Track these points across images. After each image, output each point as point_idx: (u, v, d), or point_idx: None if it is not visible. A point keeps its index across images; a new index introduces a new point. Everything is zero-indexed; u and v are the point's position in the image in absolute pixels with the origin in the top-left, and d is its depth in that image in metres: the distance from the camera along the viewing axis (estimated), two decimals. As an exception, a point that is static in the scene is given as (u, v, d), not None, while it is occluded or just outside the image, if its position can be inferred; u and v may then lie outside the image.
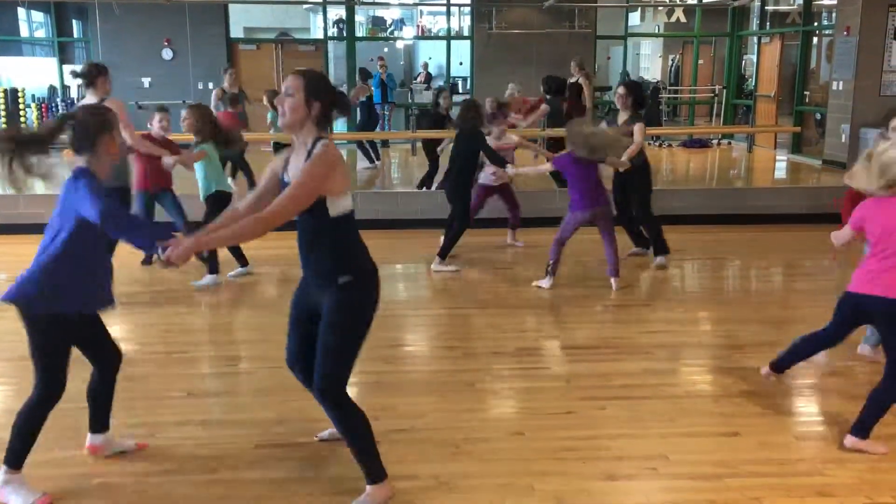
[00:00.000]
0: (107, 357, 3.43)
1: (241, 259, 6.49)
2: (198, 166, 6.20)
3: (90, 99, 5.64)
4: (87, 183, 3.01)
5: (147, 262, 6.64)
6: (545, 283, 6.14)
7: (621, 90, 6.72)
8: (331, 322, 2.97)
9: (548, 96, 10.00)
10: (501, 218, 7.53)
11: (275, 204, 2.85)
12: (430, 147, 9.60)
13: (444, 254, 6.73)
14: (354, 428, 3.02)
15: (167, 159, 6.25)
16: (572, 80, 10.37)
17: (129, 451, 3.53)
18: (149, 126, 6.58)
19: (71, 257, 3.08)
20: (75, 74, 5.83)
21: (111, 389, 3.47)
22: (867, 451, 3.50)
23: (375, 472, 3.09)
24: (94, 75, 5.73)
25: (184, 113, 6.28)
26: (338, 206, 2.91)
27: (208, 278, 6.19)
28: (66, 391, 3.24)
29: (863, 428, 3.52)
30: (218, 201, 6.06)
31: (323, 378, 2.96)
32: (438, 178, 8.89)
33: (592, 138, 5.80)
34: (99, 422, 3.50)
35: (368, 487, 3.09)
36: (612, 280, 6.12)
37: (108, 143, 3.11)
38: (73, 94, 13.57)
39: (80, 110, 3.23)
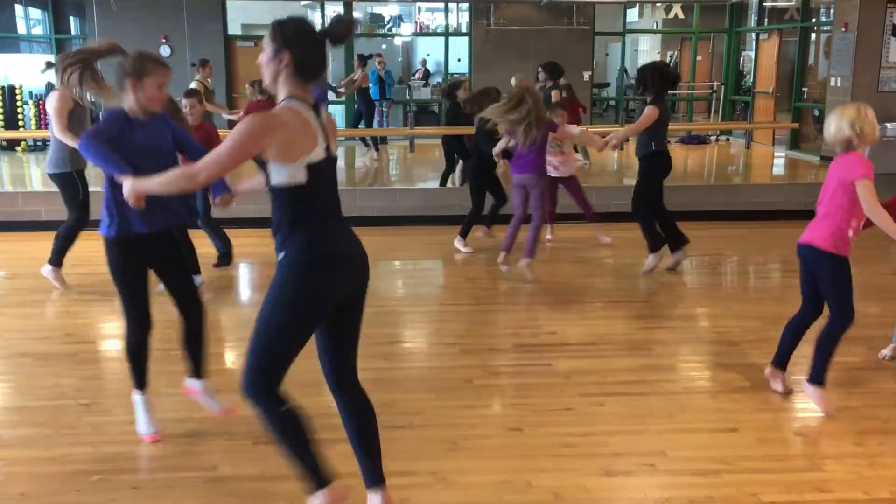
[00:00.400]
0: (188, 297, 3.69)
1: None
2: None
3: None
4: (103, 115, 3.40)
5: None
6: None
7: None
8: (260, 308, 2.69)
9: (549, 83, 9.99)
10: (505, 214, 7.51)
11: (203, 159, 2.60)
12: (458, 145, 8.91)
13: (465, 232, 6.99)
14: (279, 431, 2.72)
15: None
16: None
17: (211, 412, 3.76)
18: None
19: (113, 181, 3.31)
20: (49, 65, 5.56)
21: (199, 334, 3.70)
22: (816, 404, 3.83)
23: (310, 480, 2.76)
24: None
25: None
26: (281, 174, 2.56)
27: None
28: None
29: (818, 376, 3.85)
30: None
31: (244, 367, 2.70)
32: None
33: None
34: (194, 368, 3.75)
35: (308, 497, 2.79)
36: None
37: (135, 87, 3.35)
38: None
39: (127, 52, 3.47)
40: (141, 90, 3.35)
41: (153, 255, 3.55)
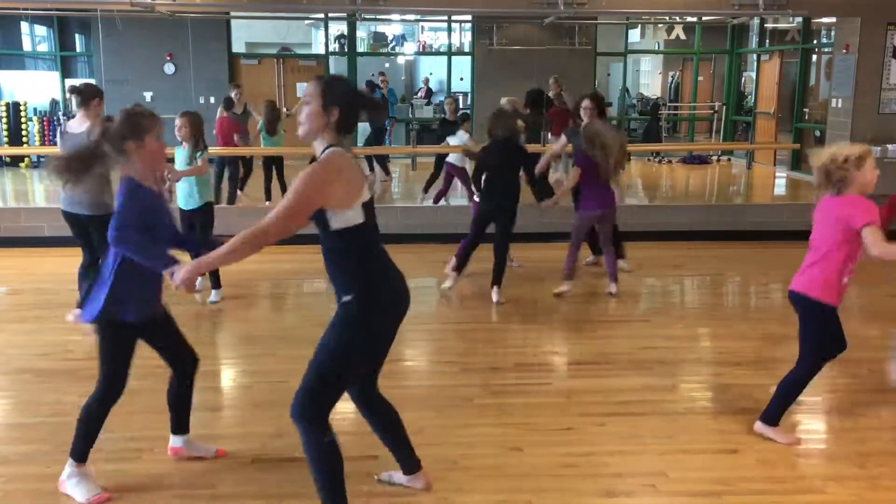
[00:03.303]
0: (180, 360, 3.53)
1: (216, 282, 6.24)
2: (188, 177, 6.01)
3: (80, 119, 5.49)
4: (121, 191, 3.17)
5: None
6: (564, 287, 6.33)
7: (585, 103, 6.64)
8: (323, 338, 2.84)
9: (527, 110, 9.98)
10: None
11: (269, 215, 2.70)
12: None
13: (498, 281, 6.27)
14: (318, 460, 2.85)
15: (171, 175, 5.97)
16: (552, 93, 10.48)
17: (206, 457, 3.61)
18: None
19: (123, 268, 3.18)
20: (73, 90, 5.62)
21: (188, 392, 3.57)
22: (775, 439, 3.75)
23: None
24: (89, 96, 5.51)
25: (178, 121, 6.01)
26: (340, 219, 2.74)
27: (214, 294, 6.17)
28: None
29: (771, 416, 3.80)
30: (207, 213, 6.05)
31: (299, 392, 2.82)
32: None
33: (604, 138, 6.03)
34: (179, 424, 3.60)
35: None
36: (612, 284, 6.32)
37: (139, 149, 3.15)
38: (75, 108, 13.62)
39: (120, 114, 3.27)
40: (144, 149, 3.17)
41: (147, 334, 3.39)
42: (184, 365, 3.52)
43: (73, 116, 5.61)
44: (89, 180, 5.15)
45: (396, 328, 2.94)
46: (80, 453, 3.29)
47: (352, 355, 2.83)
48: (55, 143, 5.85)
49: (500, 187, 6.20)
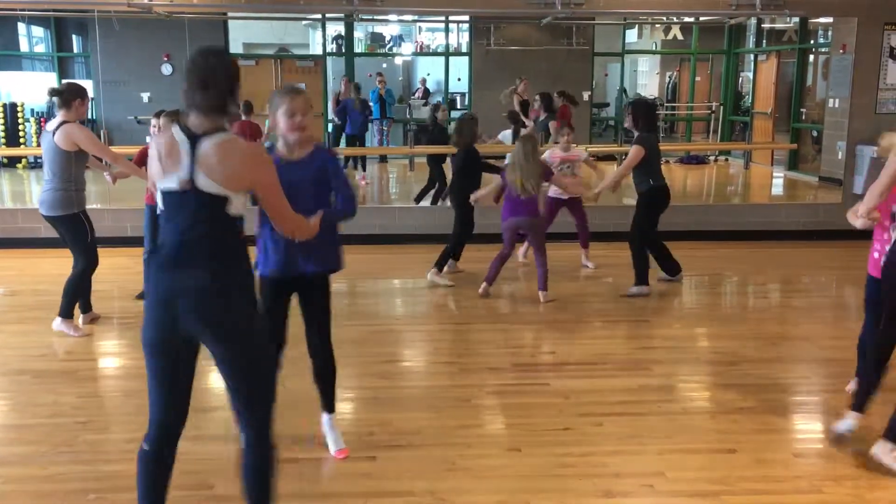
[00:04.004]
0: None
1: None
2: None
3: (58, 119, 5.20)
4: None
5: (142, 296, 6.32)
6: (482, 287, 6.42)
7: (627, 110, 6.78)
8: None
9: (544, 115, 10.03)
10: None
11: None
12: (434, 161, 9.53)
13: (440, 264, 6.74)
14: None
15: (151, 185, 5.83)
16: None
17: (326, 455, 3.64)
18: (152, 133, 5.99)
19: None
20: (53, 92, 5.31)
21: (325, 376, 3.63)
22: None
23: None
24: (69, 97, 5.21)
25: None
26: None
27: None
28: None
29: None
30: None
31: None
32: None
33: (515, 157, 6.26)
34: (324, 402, 3.68)
35: None
36: (540, 293, 6.27)
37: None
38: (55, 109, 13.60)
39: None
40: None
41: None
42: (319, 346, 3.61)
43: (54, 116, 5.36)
44: (54, 179, 5.17)
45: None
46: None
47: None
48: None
49: (454, 189, 6.87)
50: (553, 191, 7.13)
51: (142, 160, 5.82)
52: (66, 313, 5.39)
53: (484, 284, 6.36)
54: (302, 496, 3.29)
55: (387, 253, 7.82)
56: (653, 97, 18.46)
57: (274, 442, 2.74)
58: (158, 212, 2.67)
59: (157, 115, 6.01)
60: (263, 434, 2.71)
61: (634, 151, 6.25)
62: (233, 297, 2.57)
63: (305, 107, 3.30)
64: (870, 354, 3.80)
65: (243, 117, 9.32)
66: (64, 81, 5.32)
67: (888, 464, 3.46)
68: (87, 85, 14.44)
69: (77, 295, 5.48)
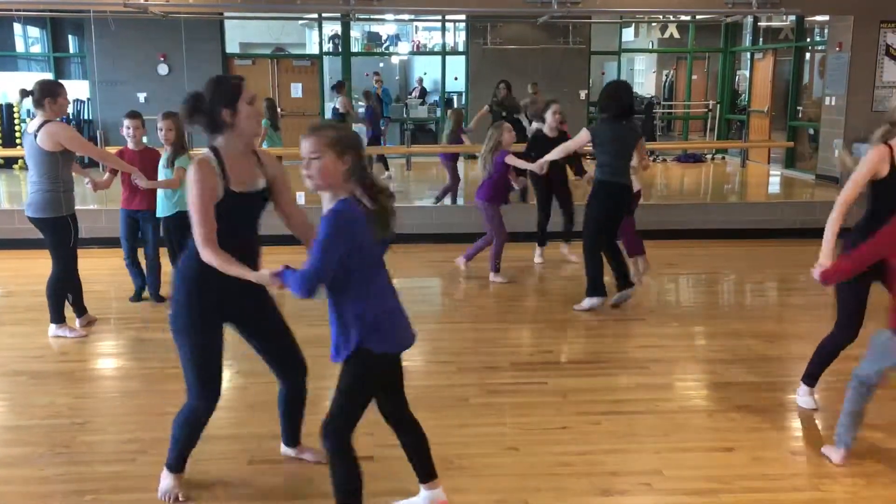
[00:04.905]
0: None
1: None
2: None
3: (37, 120, 5.06)
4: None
5: (136, 299, 6.22)
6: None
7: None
8: None
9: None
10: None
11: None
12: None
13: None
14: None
15: (140, 181, 5.60)
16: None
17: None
18: (126, 135, 5.96)
19: None
20: (25, 94, 5.15)
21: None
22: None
23: None
24: (40, 96, 5.03)
25: (164, 122, 5.71)
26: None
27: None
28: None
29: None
30: (181, 222, 5.26)
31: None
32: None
33: None
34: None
35: None
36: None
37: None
38: (70, 109, 13.58)
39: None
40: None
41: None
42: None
43: (66, 119, 5.32)
44: (41, 180, 5.07)
45: None
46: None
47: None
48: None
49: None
50: None
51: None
52: (57, 318, 5.35)
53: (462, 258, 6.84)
54: (300, 496, 3.29)
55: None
56: (650, 95, 18.48)
57: None
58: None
59: (131, 116, 5.93)
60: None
61: (578, 135, 5.89)
62: None
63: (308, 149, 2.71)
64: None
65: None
66: (36, 80, 5.13)
67: (803, 405, 3.99)
68: (84, 85, 14.51)
69: (61, 298, 5.37)
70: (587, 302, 5.92)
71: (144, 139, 6.04)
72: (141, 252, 6.15)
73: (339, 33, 15.91)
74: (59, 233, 5.18)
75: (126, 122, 5.91)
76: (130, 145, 5.95)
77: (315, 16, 15.19)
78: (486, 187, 6.61)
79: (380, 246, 2.79)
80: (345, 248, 2.62)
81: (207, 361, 3.06)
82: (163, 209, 5.84)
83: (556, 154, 6.17)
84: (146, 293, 6.19)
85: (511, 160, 6.47)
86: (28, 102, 5.06)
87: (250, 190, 3.01)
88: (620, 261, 5.92)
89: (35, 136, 5.01)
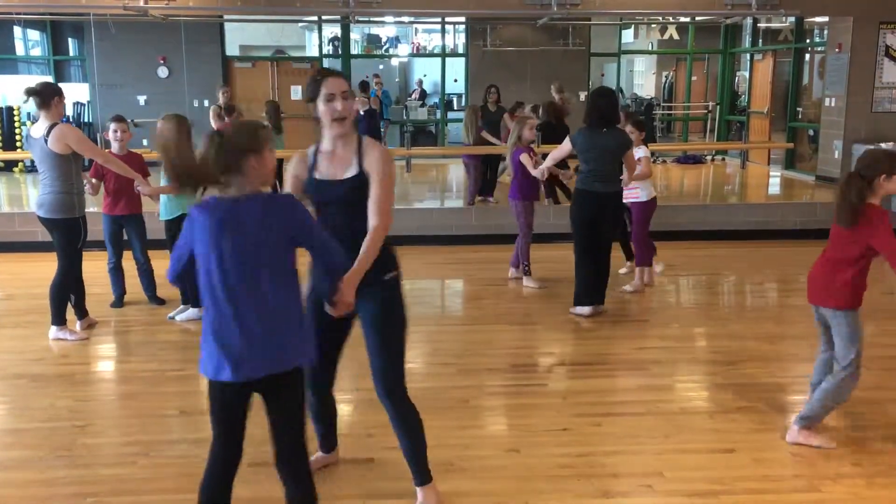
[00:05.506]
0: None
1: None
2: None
3: (42, 122, 5.10)
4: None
5: (117, 304, 6.14)
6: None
7: None
8: (383, 316, 3.03)
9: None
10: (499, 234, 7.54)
11: (381, 206, 2.88)
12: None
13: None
14: (417, 427, 3.24)
15: (142, 188, 5.64)
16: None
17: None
18: (111, 139, 5.92)
19: None
20: (30, 92, 5.10)
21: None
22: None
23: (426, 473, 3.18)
24: (48, 96, 5.08)
25: (160, 124, 5.53)
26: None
27: (192, 312, 5.64)
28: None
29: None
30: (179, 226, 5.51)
31: (387, 371, 3.17)
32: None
33: None
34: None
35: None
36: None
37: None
38: (69, 112, 13.60)
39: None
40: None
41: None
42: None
43: (67, 120, 5.34)
44: (55, 182, 5.08)
45: None
46: None
47: (407, 325, 3.10)
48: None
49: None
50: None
51: (97, 171, 5.71)
52: (59, 320, 5.35)
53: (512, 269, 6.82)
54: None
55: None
56: (649, 97, 18.49)
57: None
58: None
59: (118, 120, 5.91)
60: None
61: (563, 143, 6.03)
62: None
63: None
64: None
65: (228, 119, 8.70)
66: (38, 82, 5.13)
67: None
68: (84, 88, 14.52)
69: (64, 300, 5.38)
70: (575, 310, 5.91)
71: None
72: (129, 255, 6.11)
73: (339, 35, 15.92)
74: (70, 234, 5.23)
75: (113, 126, 5.90)
76: (115, 149, 5.92)
77: (315, 18, 15.18)
78: (514, 186, 6.70)
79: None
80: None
81: None
82: (166, 212, 5.82)
83: (549, 162, 6.28)
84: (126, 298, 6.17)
85: (524, 159, 6.53)
86: (30, 105, 5.06)
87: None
88: (600, 274, 5.86)
89: (45, 140, 5.04)
